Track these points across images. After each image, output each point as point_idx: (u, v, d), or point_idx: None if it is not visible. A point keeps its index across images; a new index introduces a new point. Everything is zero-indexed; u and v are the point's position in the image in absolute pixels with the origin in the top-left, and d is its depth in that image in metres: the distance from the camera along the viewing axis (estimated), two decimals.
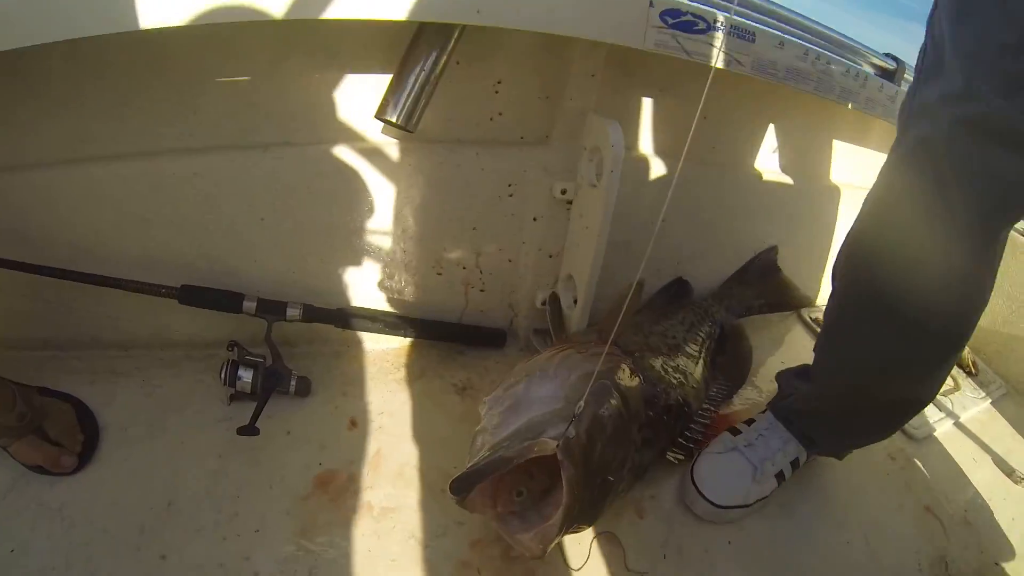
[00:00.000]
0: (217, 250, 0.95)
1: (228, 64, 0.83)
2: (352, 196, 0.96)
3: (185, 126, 0.85)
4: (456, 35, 0.80)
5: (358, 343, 1.09)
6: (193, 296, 0.92)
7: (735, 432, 0.97)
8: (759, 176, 1.30)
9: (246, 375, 0.91)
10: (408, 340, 1.09)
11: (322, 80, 0.87)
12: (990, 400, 1.35)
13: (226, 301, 0.93)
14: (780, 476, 0.93)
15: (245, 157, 0.89)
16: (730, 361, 1.16)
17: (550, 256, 1.10)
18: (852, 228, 0.81)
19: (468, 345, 1.13)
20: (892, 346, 0.77)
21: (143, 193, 0.87)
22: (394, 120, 0.81)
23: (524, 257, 1.10)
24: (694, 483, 0.90)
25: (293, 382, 0.95)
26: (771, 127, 1.28)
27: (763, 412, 1.00)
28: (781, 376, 1.03)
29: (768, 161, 1.32)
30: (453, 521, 0.83)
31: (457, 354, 1.12)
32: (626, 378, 0.84)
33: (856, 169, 1.45)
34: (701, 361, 1.07)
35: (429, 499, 0.86)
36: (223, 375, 0.91)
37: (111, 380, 0.94)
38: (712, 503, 0.88)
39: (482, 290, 1.11)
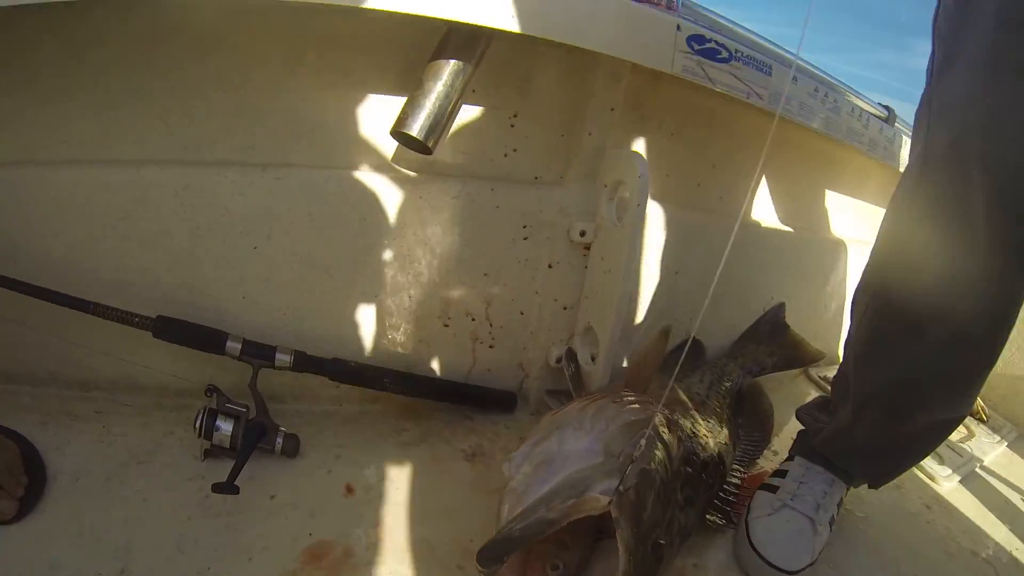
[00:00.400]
0: (202, 280, 0.85)
1: (233, 73, 0.77)
2: (356, 228, 0.88)
3: (179, 136, 0.78)
4: (481, 50, 0.76)
5: (353, 400, 0.97)
6: (170, 329, 0.80)
7: (771, 489, 0.90)
8: (765, 228, 1.30)
9: (225, 426, 0.78)
10: (410, 400, 0.99)
11: (332, 99, 0.82)
12: (1006, 443, 1.38)
13: (207, 339, 0.82)
14: (832, 521, 0.87)
15: (241, 175, 0.81)
16: (751, 420, 1.08)
17: (565, 308, 1.02)
18: (874, 253, 0.82)
19: (476, 407, 1.02)
20: (930, 363, 0.76)
21: (125, 205, 0.78)
22: (413, 134, 0.75)
23: (537, 309, 1.02)
24: (758, 553, 0.82)
25: (279, 439, 0.83)
26: (776, 179, 1.30)
27: (790, 459, 0.96)
28: (802, 412, 1.00)
29: (773, 213, 1.33)
30: None
31: (464, 418, 1.01)
32: (666, 431, 0.75)
33: (856, 223, 1.49)
34: (726, 419, 1.00)
35: None
36: (198, 424, 0.78)
37: (66, 423, 0.81)
38: (785, 571, 0.80)
39: (491, 346, 1.02)
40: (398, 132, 0.77)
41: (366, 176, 0.86)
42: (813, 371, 1.52)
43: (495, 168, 0.94)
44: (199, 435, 0.78)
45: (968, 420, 1.43)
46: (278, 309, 0.90)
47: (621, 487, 0.59)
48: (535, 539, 0.58)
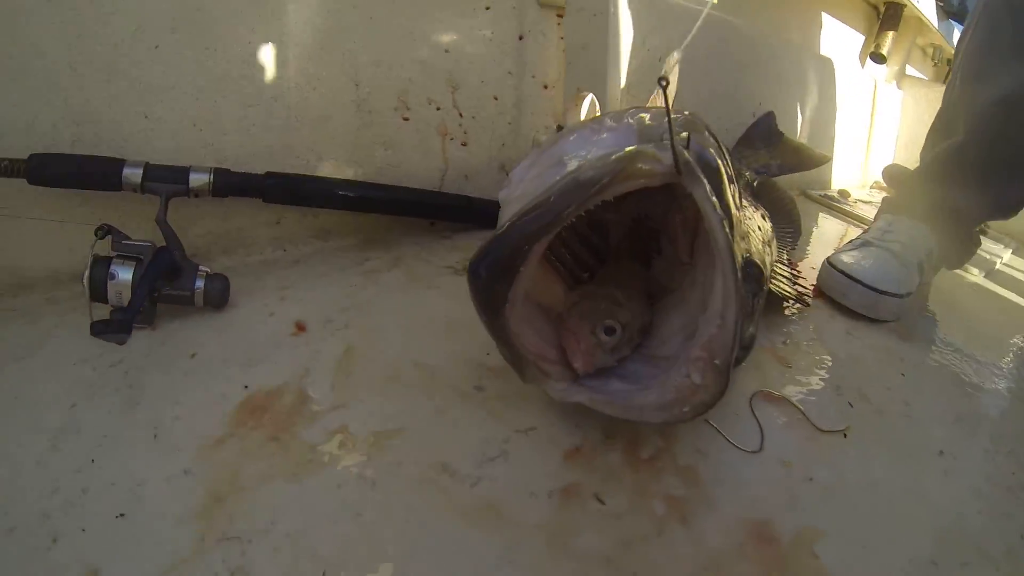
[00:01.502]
0: (91, 102, 0.62)
1: None
2: (283, 6, 0.68)
3: None
4: None
5: (301, 240, 0.77)
6: (49, 167, 0.59)
7: (852, 241, 0.89)
8: (747, 32, 1.21)
9: (123, 272, 0.56)
10: (371, 231, 0.79)
11: None
12: (1011, 251, 1.49)
13: (98, 170, 0.61)
14: (920, 268, 0.85)
15: None
16: (776, 213, 0.94)
17: (545, 87, 0.84)
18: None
19: (456, 222, 0.83)
20: None
21: None
22: None
23: (512, 91, 0.84)
24: (841, 271, 0.80)
25: (200, 282, 0.60)
26: None
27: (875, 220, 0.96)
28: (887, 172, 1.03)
29: (752, 16, 1.24)
30: (513, 430, 0.50)
31: (441, 238, 0.82)
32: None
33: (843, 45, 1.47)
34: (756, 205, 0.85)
35: (458, 405, 0.52)
36: (85, 281, 0.55)
37: None
38: (871, 287, 0.78)
39: (464, 143, 0.83)
40: None
41: None
42: (812, 192, 1.45)
43: None
44: (88, 297, 0.56)
45: None
46: (190, 124, 0.68)
47: (684, 136, 0.41)
48: (569, 217, 0.38)
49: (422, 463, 0.45)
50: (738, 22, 1.18)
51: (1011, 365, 0.81)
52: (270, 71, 0.69)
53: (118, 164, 0.61)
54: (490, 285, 0.39)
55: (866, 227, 0.95)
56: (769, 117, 1.22)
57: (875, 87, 1.79)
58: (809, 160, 1.19)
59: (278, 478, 0.43)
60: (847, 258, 0.82)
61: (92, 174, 0.61)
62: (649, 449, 0.49)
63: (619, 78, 0.73)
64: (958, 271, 1.10)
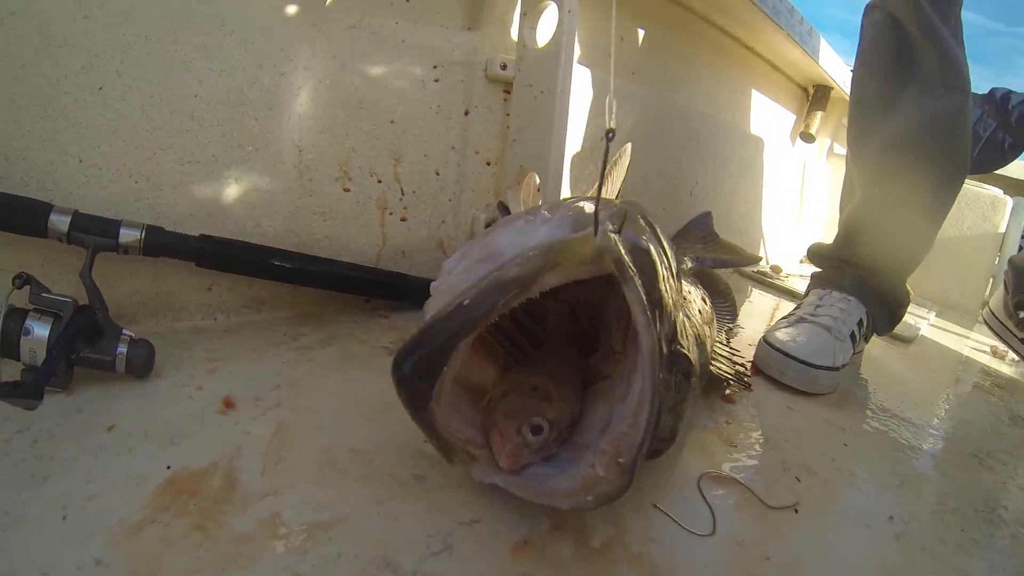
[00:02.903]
0: (24, 139, 0.60)
1: None
2: (233, 61, 0.67)
3: None
4: None
5: (232, 308, 0.74)
6: None
7: (786, 316, 0.94)
8: (686, 109, 1.26)
9: (39, 328, 0.52)
10: (306, 305, 0.77)
11: None
12: (934, 314, 1.63)
13: (20, 213, 0.58)
14: (853, 338, 0.89)
15: None
16: (713, 294, 0.96)
17: (488, 164, 0.85)
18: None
19: (392, 300, 0.81)
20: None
21: None
22: None
23: (455, 167, 0.85)
24: (778, 349, 0.83)
25: (122, 347, 0.57)
26: (687, 64, 1.27)
27: (804, 297, 1.01)
28: (811, 251, 1.07)
29: (694, 97, 1.30)
30: (456, 522, 0.47)
31: (378, 316, 0.81)
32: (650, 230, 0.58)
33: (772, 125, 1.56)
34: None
35: (397, 495, 0.49)
36: None
37: None
38: (806, 363, 0.81)
39: (403, 219, 0.83)
40: None
41: None
42: (745, 268, 1.52)
43: (396, 10, 0.77)
44: None
45: None
46: (126, 175, 0.65)
47: (612, 229, 0.42)
48: (490, 315, 0.38)
49: (362, 557, 0.42)
50: (677, 99, 1.24)
51: (945, 425, 0.86)
52: (213, 128, 0.68)
53: (45, 208, 0.58)
54: (414, 383, 0.38)
55: (798, 302, 1.00)
56: (707, 217, 1.26)
57: (804, 165, 1.90)
58: (742, 259, 1.24)
59: (204, 571, 0.39)
60: (782, 335, 0.85)
61: (15, 216, 0.58)
62: (600, 538, 0.48)
63: (562, 157, 0.75)
64: (887, 336, 1.15)
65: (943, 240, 1.63)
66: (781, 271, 1.57)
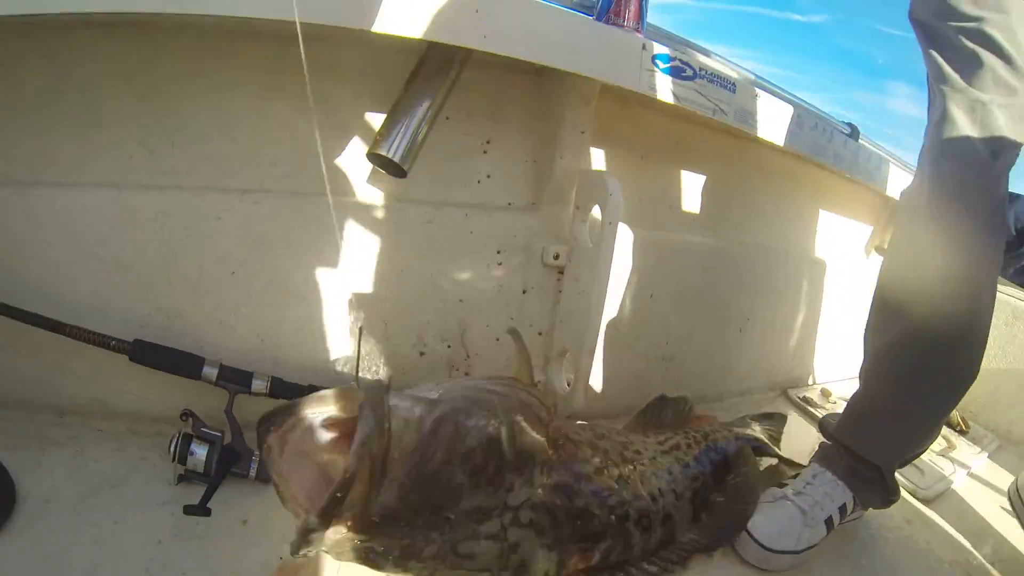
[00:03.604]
0: (179, 304, 0.86)
1: (213, 99, 0.80)
2: (332, 255, 0.90)
3: (159, 160, 0.80)
4: (455, 74, 0.80)
5: None
6: (147, 353, 0.81)
7: (782, 485, 0.99)
8: (744, 246, 1.33)
9: (200, 451, 0.79)
10: None
11: (309, 127, 0.84)
12: (987, 454, 1.42)
13: (184, 363, 0.83)
14: (829, 522, 0.94)
15: (220, 200, 0.83)
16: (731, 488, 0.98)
17: (540, 334, 1.03)
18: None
19: None
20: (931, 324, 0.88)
21: (103, 228, 0.80)
22: (388, 155, 0.78)
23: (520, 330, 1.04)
24: (746, 530, 0.90)
25: (254, 465, 0.83)
26: (748, 198, 1.34)
27: (807, 465, 1.03)
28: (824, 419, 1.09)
29: (741, 232, 1.36)
30: None
31: None
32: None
33: (826, 237, 1.55)
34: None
35: None
36: (172, 449, 0.78)
37: (39, 447, 0.81)
38: (763, 546, 0.88)
39: (467, 373, 1.03)
40: (374, 154, 0.80)
41: (343, 202, 0.88)
42: (792, 392, 1.54)
43: (469, 194, 0.97)
44: (173, 459, 0.78)
45: (948, 432, 1.48)
46: (255, 335, 0.90)
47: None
48: (302, 410, 0.54)
49: None
50: (737, 237, 1.33)
51: None
52: (318, 304, 0.92)
53: (199, 361, 0.84)
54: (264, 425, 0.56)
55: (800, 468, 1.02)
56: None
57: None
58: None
59: None
60: (758, 514, 0.92)
61: (180, 366, 0.83)
62: None
63: (594, 344, 0.92)
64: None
65: (1016, 370, 1.60)
66: (831, 394, 1.59)
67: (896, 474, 1.02)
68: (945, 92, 0.85)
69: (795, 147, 1.18)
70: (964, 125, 0.84)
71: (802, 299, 1.51)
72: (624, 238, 1.07)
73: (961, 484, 1.31)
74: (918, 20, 0.90)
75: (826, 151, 1.27)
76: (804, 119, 1.19)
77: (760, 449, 1.09)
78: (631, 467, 0.81)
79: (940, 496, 1.23)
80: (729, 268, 1.31)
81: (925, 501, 1.19)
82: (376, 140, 0.80)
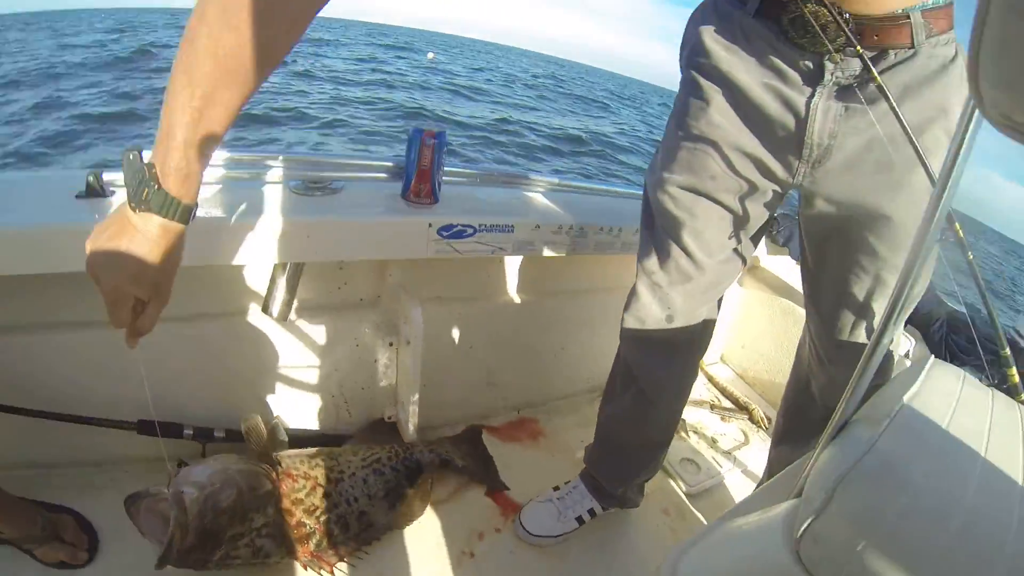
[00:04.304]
0: (166, 392, 1.20)
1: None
2: (258, 355, 1.36)
3: None
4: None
5: None
6: (146, 428, 1.19)
7: (556, 488, 1.39)
8: (554, 296, 1.74)
9: None
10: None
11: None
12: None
13: (172, 430, 1.26)
14: (580, 520, 1.33)
15: (182, 326, 1.24)
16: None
17: (389, 385, 1.58)
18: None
19: None
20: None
21: (102, 353, 1.14)
22: (273, 315, 1.33)
23: (375, 385, 1.56)
24: (519, 519, 1.33)
25: None
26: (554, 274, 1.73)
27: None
28: (587, 449, 1.41)
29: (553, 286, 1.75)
30: None
31: None
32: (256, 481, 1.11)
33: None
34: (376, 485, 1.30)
35: None
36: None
37: (92, 493, 1.16)
38: (528, 532, 1.30)
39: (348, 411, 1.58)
40: (266, 312, 1.36)
41: (261, 322, 1.37)
42: None
43: (333, 299, 1.50)
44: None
45: (748, 427, 1.79)
46: (217, 405, 1.34)
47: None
48: (141, 502, 0.98)
49: None
50: (532, 299, 1.67)
51: None
52: (250, 378, 1.48)
53: (180, 427, 1.33)
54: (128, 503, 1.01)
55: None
56: (476, 431, 1.65)
57: None
58: (492, 480, 1.52)
59: None
60: (529, 508, 1.38)
61: (169, 431, 1.32)
62: None
63: (415, 392, 1.45)
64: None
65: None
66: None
67: (672, 468, 1.45)
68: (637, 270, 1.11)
69: (578, 252, 1.51)
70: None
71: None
72: (442, 318, 1.52)
73: (735, 480, 1.55)
74: None
75: (612, 246, 1.56)
76: (587, 228, 1.48)
77: (448, 462, 1.47)
78: (333, 485, 1.23)
79: (708, 491, 1.49)
80: (539, 314, 1.69)
81: (689, 496, 1.47)
82: (264, 303, 1.33)
